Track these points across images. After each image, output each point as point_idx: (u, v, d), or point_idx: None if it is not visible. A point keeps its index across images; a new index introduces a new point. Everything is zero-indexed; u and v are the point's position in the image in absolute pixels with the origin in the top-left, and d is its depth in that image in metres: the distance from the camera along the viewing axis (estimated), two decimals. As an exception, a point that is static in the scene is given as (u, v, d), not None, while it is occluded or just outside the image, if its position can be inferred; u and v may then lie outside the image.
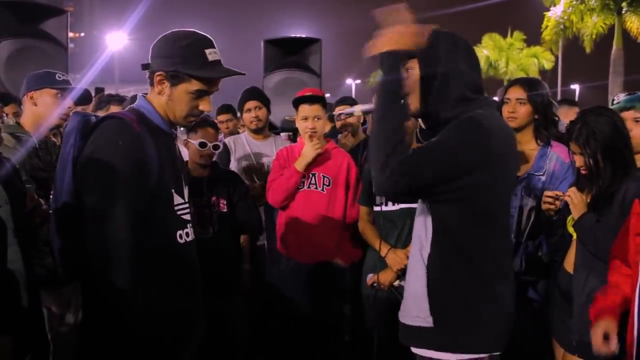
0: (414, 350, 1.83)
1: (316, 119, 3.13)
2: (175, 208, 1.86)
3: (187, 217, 1.91)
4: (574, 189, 2.36)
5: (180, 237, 1.86)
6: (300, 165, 3.10)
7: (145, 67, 1.86)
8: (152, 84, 1.86)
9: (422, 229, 1.83)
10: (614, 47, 18.67)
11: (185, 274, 1.90)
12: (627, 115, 2.67)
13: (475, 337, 1.76)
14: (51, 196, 1.85)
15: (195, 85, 1.81)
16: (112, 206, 1.71)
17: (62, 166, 1.80)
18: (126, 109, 1.90)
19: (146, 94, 1.91)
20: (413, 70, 1.83)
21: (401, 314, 1.91)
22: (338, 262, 3.15)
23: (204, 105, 1.85)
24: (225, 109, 4.62)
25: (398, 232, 2.85)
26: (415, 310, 1.82)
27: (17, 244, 1.77)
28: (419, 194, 1.78)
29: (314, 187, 3.16)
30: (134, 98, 3.33)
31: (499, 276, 1.81)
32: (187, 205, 1.92)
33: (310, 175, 3.16)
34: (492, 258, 1.79)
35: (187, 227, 1.89)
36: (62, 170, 1.79)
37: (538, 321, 2.68)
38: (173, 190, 1.85)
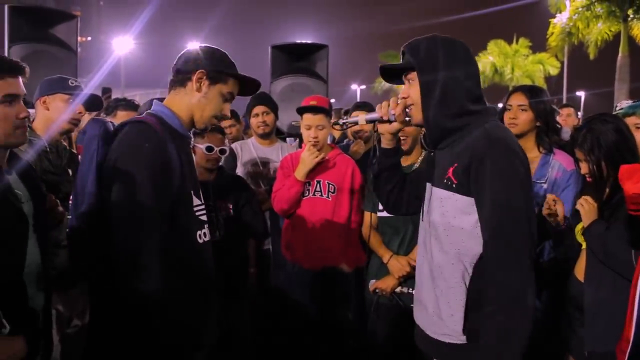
0: None
1: (319, 128, 3.16)
2: (195, 209, 1.95)
3: (204, 217, 2.00)
4: (587, 197, 2.35)
5: (200, 237, 1.95)
6: (299, 174, 3.12)
7: (176, 69, 1.99)
8: (180, 85, 1.97)
9: (465, 251, 1.80)
10: (620, 54, 18.64)
11: (205, 273, 1.98)
12: (629, 121, 2.68)
13: (507, 353, 1.76)
14: (70, 201, 1.92)
15: (230, 87, 1.99)
16: (140, 209, 1.77)
17: (83, 172, 1.85)
18: (144, 113, 1.98)
19: (158, 98, 1.99)
20: (413, 82, 1.86)
21: (428, 328, 1.90)
22: (343, 267, 3.18)
23: (226, 110, 2.03)
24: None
25: (400, 238, 2.88)
26: (446, 328, 1.82)
27: (36, 242, 1.80)
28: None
29: (319, 194, 3.19)
30: (149, 103, 3.38)
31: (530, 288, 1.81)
32: (203, 206, 2.01)
33: (316, 182, 3.19)
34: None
35: (204, 228, 1.99)
36: (84, 176, 1.84)
37: (541, 329, 2.68)
38: (192, 192, 1.94)
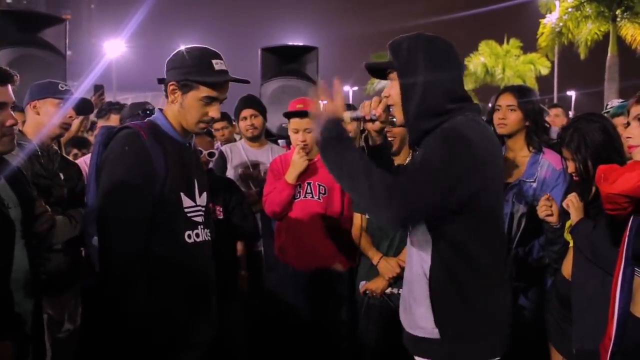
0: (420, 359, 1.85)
1: (307, 132, 3.16)
2: (185, 210, 1.99)
3: (199, 219, 2.04)
4: (575, 194, 2.38)
5: (189, 237, 1.98)
6: (290, 177, 3.13)
7: (160, 81, 2.03)
8: (166, 96, 2.03)
9: (422, 241, 1.83)
10: (609, 54, 18.80)
11: (195, 273, 2.00)
12: (619, 121, 2.71)
13: (482, 344, 1.79)
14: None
15: (203, 92, 1.97)
16: (117, 209, 1.85)
17: (89, 175, 1.99)
18: (145, 120, 2.05)
19: (146, 102, 2.03)
20: (394, 82, 1.85)
21: (406, 323, 1.92)
22: (336, 267, 3.18)
23: (212, 112, 2.01)
24: (221, 116, 4.66)
25: (390, 239, 2.89)
26: (420, 321, 1.83)
27: (24, 247, 1.80)
28: (420, 217, 1.75)
29: (310, 196, 3.19)
30: (132, 107, 3.39)
31: (498, 282, 1.84)
32: (199, 208, 2.04)
33: (306, 184, 3.19)
34: (492, 264, 1.81)
35: (197, 229, 2.02)
36: (91, 179, 1.98)
37: (531, 327, 2.70)
38: (182, 194, 1.98)
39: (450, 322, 1.78)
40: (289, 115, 3.22)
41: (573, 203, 2.34)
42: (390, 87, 1.89)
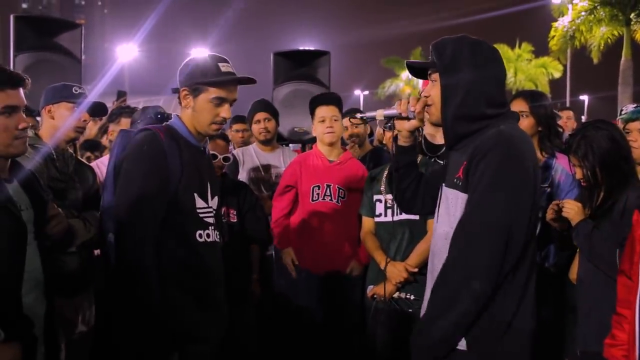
0: None
1: (334, 119, 3.12)
2: (198, 210, 2.11)
3: (211, 220, 2.16)
4: (568, 200, 2.40)
5: (200, 236, 2.11)
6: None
7: (175, 90, 2.20)
8: (179, 103, 2.17)
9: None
10: (623, 58, 18.61)
11: (205, 270, 2.11)
12: (634, 126, 2.70)
13: (511, 355, 1.76)
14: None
15: (212, 93, 2.11)
16: (133, 206, 1.99)
17: (108, 176, 2.16)
18: (163, 124, 2.19)
19: (158, 106, 2.15)
20: (436, 82, 1.85)
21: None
22: (353, 269, 3.17)
23: (224, 112, 2.14)
24: (240, 119, 4.69)
25: (397, 243, 2.86)
26: None
27: (36, 249, 1.82)
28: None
29: (329, 198, 3.17)
30: (144, 110, 3.42)
31: (529, 290, 1.80)
32: (211, 209, 2.17)
33: (325, 186, 3.17)
34: (529, 272, 1.79)
35: (208, 229, 2.14)
36: (109, 180, 2.15)
37: (547, 334, 2.68)
38: (195, 194, 2.11)
39: (479, 336, 1.74)
40: (314, 103, 3.17)
41: (568, 210, 2.35)
42: (431, 87, 1.88)
